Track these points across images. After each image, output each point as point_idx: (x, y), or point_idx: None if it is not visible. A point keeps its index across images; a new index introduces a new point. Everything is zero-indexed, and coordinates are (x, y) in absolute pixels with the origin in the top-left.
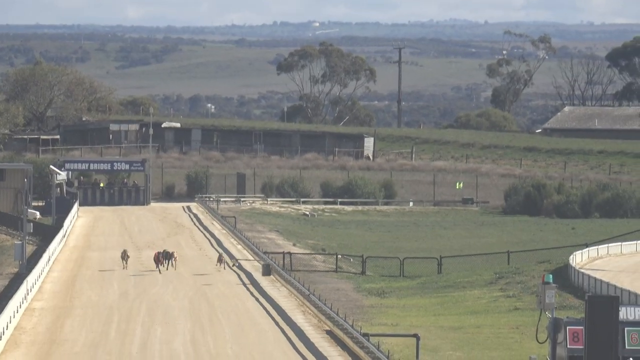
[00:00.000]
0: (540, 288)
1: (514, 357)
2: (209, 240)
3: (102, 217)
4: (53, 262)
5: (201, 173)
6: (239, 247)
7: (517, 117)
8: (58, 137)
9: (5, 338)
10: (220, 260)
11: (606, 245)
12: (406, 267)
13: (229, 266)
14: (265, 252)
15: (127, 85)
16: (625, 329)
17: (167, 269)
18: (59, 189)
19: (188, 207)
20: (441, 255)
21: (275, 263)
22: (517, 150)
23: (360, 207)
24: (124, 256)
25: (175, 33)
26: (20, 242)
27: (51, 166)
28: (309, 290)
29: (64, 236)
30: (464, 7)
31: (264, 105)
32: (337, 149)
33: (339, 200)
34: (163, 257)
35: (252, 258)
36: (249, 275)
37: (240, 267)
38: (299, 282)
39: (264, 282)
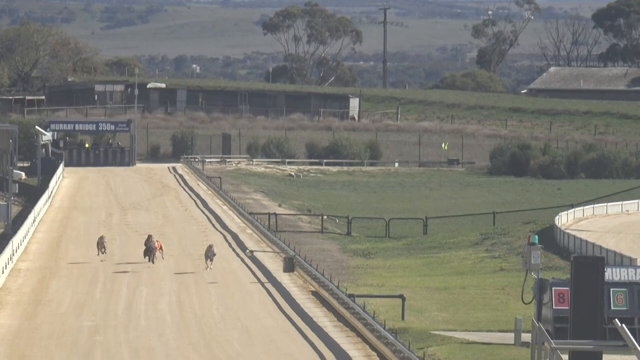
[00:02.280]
0: (525, 249)
1: (500, 317)
2: (195, 201)
3: (87, 178)
4: (38, 223)
5: (186, 134)
6: (225, 207)
7: (503, 77)
8: (43, 97)
9: None
10: (208, 255)
11: (592, 205)
12: (392, 228)
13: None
14: (250, 213)
15: (112, 46)
16: (611, 289)
17: (152, 262)
18: (44, 149)
19: (173, 168)
20: (427, 216)
21: (261, 224)
22: (502, 110)
23: (345, 168)
24: (101, 244)
25: None
26: (5, 203)
27: (36, 127)
28: (294, 250)
29: (49, 197)
30: None
31: (249, 65)
32: (322, 110)
33: (325, 161)
34: (148, 249)
35: (239, 221)
36: (234, 235)
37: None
38: (284, 243)
39: (249, 242)
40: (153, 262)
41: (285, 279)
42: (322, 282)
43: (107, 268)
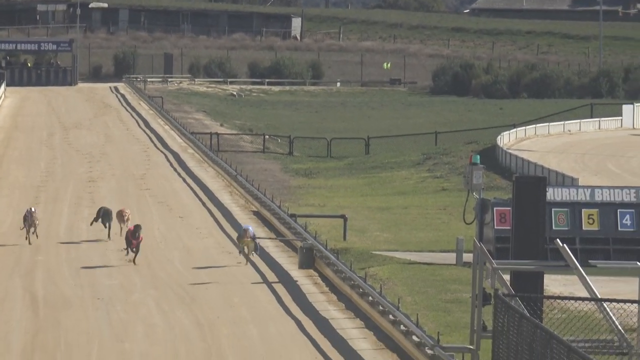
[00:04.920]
0: (467, 169)
1: (441, 237)
2: (136, 121)
3: (29, 98)
4: None
5: (128, 53)
6: (166, 127)
7: None
8: None
9: None
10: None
11: (534, 125)
12: (333, 148)
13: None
14: (192, 133)
15: None
16: (553, 209)
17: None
18: None
19: (115, 88)
20: (369, 136)
21: (202, 144)
22: (445, 30)
23: (287, 88)
24: (28, 221)
25: None
26: None
27: None
28: (236, 170)
29: None
30: None
31: None
32: (264, 29)
33: (267, 80)
34: (132, 236)
35: (181, 141)
36: (176, 155)
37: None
38: (226, 163)
39: (191, 162)
40: (131, 255)
41: (227, 198)
42: (264, 201)
43: (49, 189)
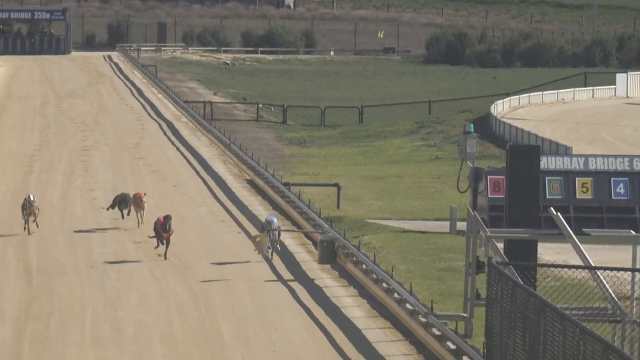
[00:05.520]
0: (461, 137)
1: (435, 206)
2: (130, 90)
3: (22, 67)
4: None
5: (122, 22)
6: (160, 96)
7: None
8: None
9: None
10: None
11: (527, 94)
12: (327, 117)
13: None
14: (186, 102)
15: None
16: (546, 178)
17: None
18: None
19: (109, 57)
20: (362, 105)
21: (196, 112)
22: None
23: (281, 57)
24: (27, 210)
25: None
26: None
27: None
28: (229, 139)
29: None
30: None
31: None
32: None
33: (260, 49)
34: (162, 229)
35: (174, 109)
36: (169, 124)
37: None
38: (219, 131)
39: (185, 131)
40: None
41: (220, 167)
42: (257, 170)
43: (42, 158)
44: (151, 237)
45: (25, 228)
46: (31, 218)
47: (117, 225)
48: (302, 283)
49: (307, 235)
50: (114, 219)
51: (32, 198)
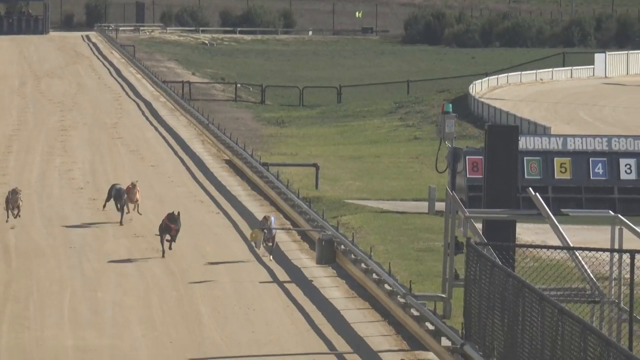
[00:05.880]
0: (439, 117)
1: (414, 186)
2: (108, 70)
3: (0, 47)
4: None
5: (100, 2)
6: (138, 76)
7: None
8: None
9: None
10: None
11: (506, 74)
12: (306, 96)
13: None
14: (164, 82)
15: None
16: (525, 158)
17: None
18: None
19: (87, 37)
20: (341, 85)
21: (174, 92)
22: None
23: (259, 37)
24: (11, 203)
25: None
26: None
27: None
28: (208, 119)
29: None
30: None
31: None
32: None
33: (238, 29)
34: (170, 222)
35: (153, 89)
36: (148, 104)
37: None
38: (197, 111)
39: (163, 111)
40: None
41: (198, 147)
42: (236, 150)
43: (21, 138)
44: (157, 235)
45: (7, 221)
46: (15, 211)
47: (95, 206)
48: (281, 264)
49: (287, 216)
50: (92, 199)
51: (17, 191)
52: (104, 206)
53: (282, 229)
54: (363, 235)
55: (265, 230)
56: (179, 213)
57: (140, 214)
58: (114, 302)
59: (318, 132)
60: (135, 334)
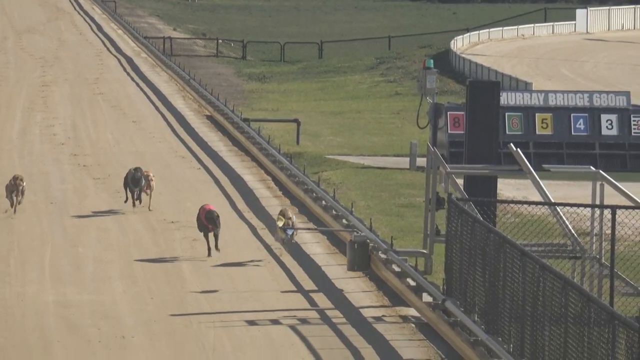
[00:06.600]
0: (421, 73)
1: (395, 142)
2: (90, 25)
3: None
4: None
5: None
6: (119, 31)
7: None
8: None
9: None
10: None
11: (487, 30)
12: (287, 52)
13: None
14: (145, 37)
15: None
16: (506, 114)
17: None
18: None
19: None
20: (322, 40)
21: (155, 48)
22: None
23: None
24: (15, 190)
25: None
26: None
27: None
28: (189, 75)
29: None
30: None
31: None
32: None
33: None
34: (208, 221)
35: (134, 45)
36: (129, 59)
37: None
38: (179, 67)
39: (144, 66)
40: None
41: (180, 103)
42: (217, 106)
43: (2, 93)
44: (195, 240)
45: (11, 209)
46: (18, 198)
47: (76, 162)
48: (261, 219)
49: (268, 172)
50: (73, 155)
51: (20, 179)
52: (126, 199)
53: (307, 229)
54: (344, 191)
55: (288, 232)
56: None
57: (151, 210)
58: (95, 257)
59: (299, 87)
60: (116, 290)
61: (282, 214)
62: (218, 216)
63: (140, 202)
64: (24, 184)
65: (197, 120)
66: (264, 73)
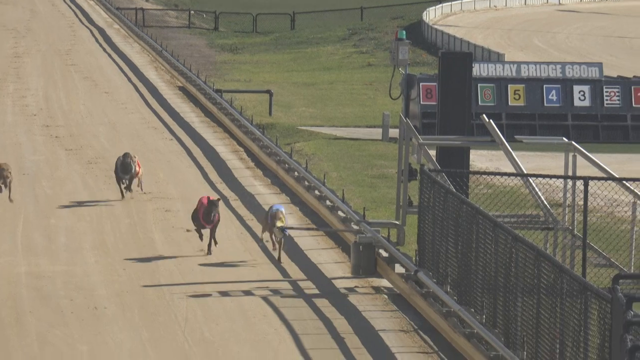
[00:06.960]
0: (393, 44)
1: (367, 113)
2: None
3: None
4: None
5: None
6: (91, 2)
7: None
8: None
9: None
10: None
11: (459, 1)
12: (259, 23)
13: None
14: (117, 8)
15: None
16: (479, 85)
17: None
18: None
19: None
20: (294, 11)
21: (128, 19)
22: None
23: None
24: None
25: None
26: None
27: None
28: (161, 46)
29: None
30: None
31: None
32: None
33: None
34: (205, 219)
35: (106, 16)
36: (101, 31)
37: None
38: (151, 38)
39: (116, 37)
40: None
41: (152, 74)
42: (189, 77)
43: None
44: (189, 231)
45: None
46: (6, 189)
47: (49, 133)
48: (234, 189)
49: (240, 143)
50: (45, 126)
51: (7, 168)
52: (122, 191)
53: (307, 229)
54: (316, 162)
55: (275, 231)
56: (214, 202)
57: (144, 192)
58: (67, 228)
59: (271, 58)
60: (88, 260)
61: (280, 215)
62: (216, 203)
63: (130, 191)
64: (12, 176)
65: (169, 91)
66: (236, 44)
